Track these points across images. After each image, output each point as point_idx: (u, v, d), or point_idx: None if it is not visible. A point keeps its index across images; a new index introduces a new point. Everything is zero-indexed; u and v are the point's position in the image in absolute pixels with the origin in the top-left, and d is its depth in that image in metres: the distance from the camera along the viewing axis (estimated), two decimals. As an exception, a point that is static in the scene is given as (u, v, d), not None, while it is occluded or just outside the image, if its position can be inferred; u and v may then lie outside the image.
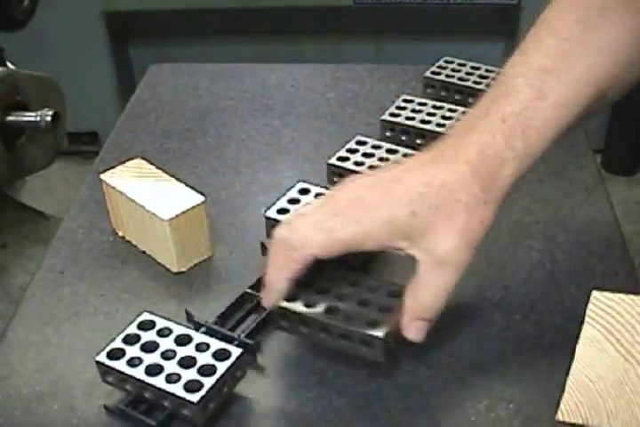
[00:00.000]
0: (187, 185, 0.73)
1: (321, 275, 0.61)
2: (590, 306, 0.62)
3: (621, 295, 0.62)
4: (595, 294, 0.63)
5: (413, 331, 0.58)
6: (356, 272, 0.63)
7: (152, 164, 0.77)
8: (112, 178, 0.74)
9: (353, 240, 0.56)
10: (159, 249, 0.73)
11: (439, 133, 0.83)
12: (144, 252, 0.75)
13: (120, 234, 0.77)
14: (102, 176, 0.74)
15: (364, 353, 0.58)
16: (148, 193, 0.72)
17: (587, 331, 0.60)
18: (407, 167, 0.59)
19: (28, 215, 1.17)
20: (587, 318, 0.61)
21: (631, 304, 0.61)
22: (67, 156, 2.05)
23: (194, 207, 0.71)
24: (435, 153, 0.59)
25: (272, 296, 0.60)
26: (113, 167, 0.76)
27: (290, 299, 0.60)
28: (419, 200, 0.56)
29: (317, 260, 0.58)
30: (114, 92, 2.22)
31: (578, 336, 0.60)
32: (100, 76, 2.19)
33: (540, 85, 0.58)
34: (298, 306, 0.59)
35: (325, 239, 0.57)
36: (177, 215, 0.69)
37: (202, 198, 0.71)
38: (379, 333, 0.57)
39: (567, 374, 0.58)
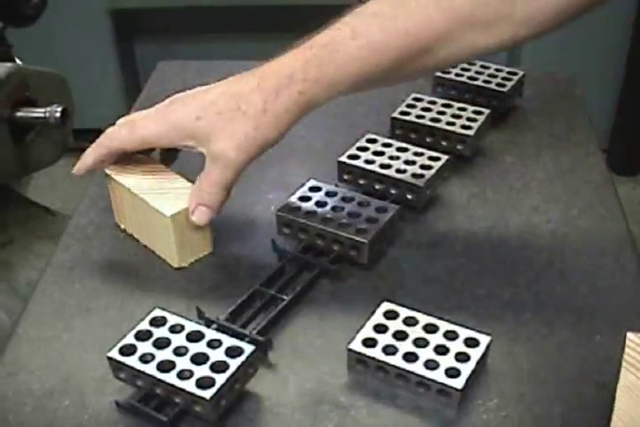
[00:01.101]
0: (190, 181, 0.73)
1: None
2: (627, 350, 0.58)
3: None
4: (629, 336, 0.59)
5: (197, 215, 0.69)
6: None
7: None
8: (117, 172, 0.74)
9: (149, 137, 0.69)
10: (161, 244, 0.73)
11: (449, 131, 0.83)
12: (145, 246, 0.75)
13: (122, 227, 0.78)
14: (107, 170, 0.74)
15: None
16: (152, 188, 0.72)
17: (624, 378, 0.56)
18: (222, 82, 0.69)
19: (34, 211, 1.17)
20: (624, 364, 0.57)
21: None
22: (71, 152, 2.04)
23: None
24: (251, 70, 0.68)
25: (80, 167, 0.72)
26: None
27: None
28: (208, 107, 0.66)
29: None
30: (119, 89, 2.22)
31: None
32: (106, 73, 2.19)
33: (359, 26, 0.65)
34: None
35: (128, 134, 0.70)
36: (179, 211, 0.69)
37: None
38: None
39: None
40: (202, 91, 0.69)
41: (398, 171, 0.77)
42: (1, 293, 1.03)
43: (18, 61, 1.09)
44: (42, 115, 0.98)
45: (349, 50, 0.64)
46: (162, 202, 0.70)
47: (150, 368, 0.57)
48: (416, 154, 0.80)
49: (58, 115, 0.97)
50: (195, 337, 0.60)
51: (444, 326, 0.62)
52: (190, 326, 0.61)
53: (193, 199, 0.69)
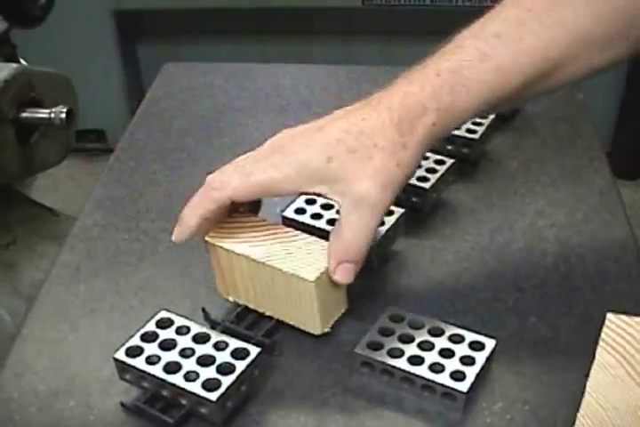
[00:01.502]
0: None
1: None
2: (605, 330, 0.59)
3: (637, 319, 0.61)
4: (609, 316, 0.60)
5: (340, 274, 0.60)
6: None
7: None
8: (221, 238, 0.64)
9: (268, 184, 0.60)
10: (295, 312, 0.64)
11: (454, 135, 0.84)
12: (270, 317, 0.66)
13: (231, 299, 0.68)
14: (208, 238, 0.64)
15: None
16: (275, 252, 0.62)
17: (601, 356, 0.58)
18: (332, 117, 0.61)
19: (37, 212, 1.17)
20: (601, 343, 0.59)
21: None
22: (72, 153, 2.04)
23: None
24: (362, 102, 0.61)
25: (182, 231, 0.62)
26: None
27: None
28: (336, 146, 0.58)
29: None
30: (121, 90, 2.22)
31: (593, 347, 0.59)
32: (108, 74, 2.19)
33: (485, 48, 0.60)
34: None
35: (241, 182, 0.60)
36: (321, 274, 0.60)
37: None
38: None
39: (583, 382, 0.58)
40: (312, 129, 0.61)
41: (403, 174, 0.77)
42: (4, 293, 1.03)
43: (23, 62, 1.09)
44: (47, 116, 0.98)
45: (480, 74, 0.59)
46: (295, 266, 0.61)
47: (157, 370, 0.57)
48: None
49: (63, 116, 0.97)
50: (201, 339, 0.60)
51: (449, 329, 0.62)
52: (196, 328, 0.61)
53: (335, 256, 0.60)
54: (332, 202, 0.61)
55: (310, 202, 0.74)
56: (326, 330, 0.64)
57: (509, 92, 0.60)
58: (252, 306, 0.67)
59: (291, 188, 0.60)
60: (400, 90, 0.60)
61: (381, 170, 0.58)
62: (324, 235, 0.65)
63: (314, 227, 0.71)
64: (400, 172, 0.58)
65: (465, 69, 0.59)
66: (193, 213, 0.61)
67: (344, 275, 0.60)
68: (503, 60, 0.59)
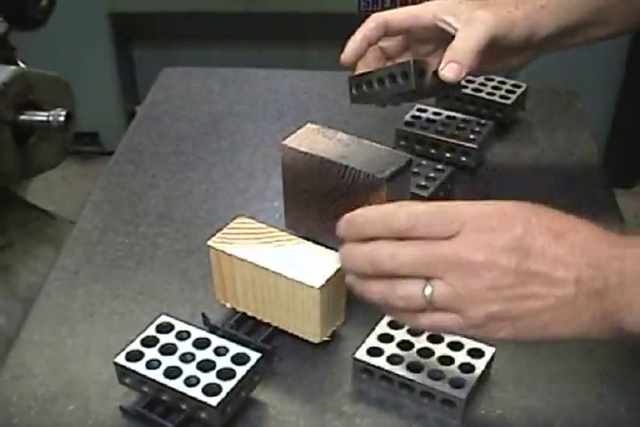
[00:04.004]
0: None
1: None
2: None
3: None
4: None
5: (447, 69, 0.69)
6: None
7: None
8: (226, 244, 0.64)
9: (415, 10, 0.74)
10: (295, 320, 0.64)
11: (453, 143, 0.84)
12: (269, 324, 0.66)
13: (228, 306, 0.68)
14: (211, 243, 0.64)
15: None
16: (279, 258, 0.62)
17: None
18: None
19: (34, 214, 1.17)
20: None
21: None
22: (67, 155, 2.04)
23: (339, 269, 0.61)
24: None
25: (347, 48, 0.75)
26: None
27: None
28: None
29: None
30: (116, 93, 2.22)
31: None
32: (103, 77, 2.18)
33: None
34: None
35: (395, 10, 0.75)
36: (326, 281, 0.60)
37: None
38: None
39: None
40: None
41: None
42: (0, 296, 1.03)
43: (21, 64, 1.09)
44: (45, 118, 0.98)
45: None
46: (300, 273, 0.61)
47: (157, 374, 0.58)
48: (420, 165, 0.80)
49: (61, 119, 0.97)
50: (201, 344, 0.60)
51: (448, 336, 0.62)
52: (197, 333, 0.61)
53: (446, 56, 0.69)
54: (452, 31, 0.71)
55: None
56: (325, 338, 0.65)
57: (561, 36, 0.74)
58: (250, 313, 0.67)
59: (429, 15, 0.72)
60: None
61: (500, 10, 0.70)
62: None
63: None
64: (510, 15, 0.70)
65: None
66: (356, 35, 0.74)
67: (449, 70, 0.68)
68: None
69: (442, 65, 0.69)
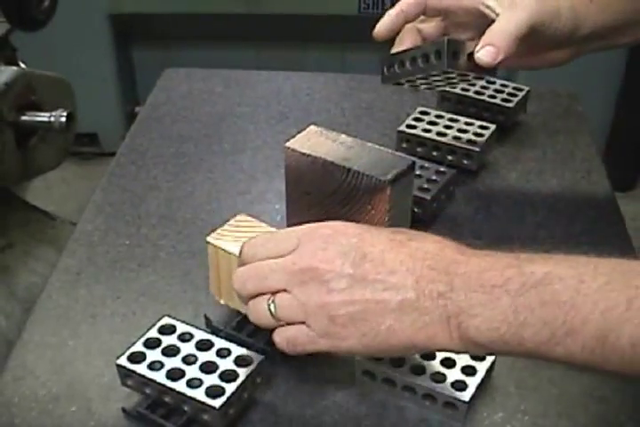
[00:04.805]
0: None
1: None
2: None
3: None
4: None
5: (483, 53, 0.65)
6: None
7: (250, 219, 0.68)
8: (222, 240, 0.64)
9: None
10: None
11: (455, 146, 0.84)
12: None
13: (222, 302, 0.67)
14: (209, 239, 0.65)
15: None
16: None
17: None
18: None
19: (34, 215, 1.17)
20: None
21: None
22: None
23: None
24: None
25: (382, 20, 0.71)
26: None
27: None
28: None
29: None
30: (115, 94, 2.22)
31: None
32: (103, 78, 2.18)
33: None
34: None
35: None
36: None
37: None
38: None
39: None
40: None
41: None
42: (0, 297, 1.03)
43: (22, 65, 1.09)
44: (47, 119, 0.98)
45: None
46: None
47: (160, 376, 0.57)
48: (422, 168, 0.80)
49: (63, 119, 0.97)
50: (204, 346, 0.60)
51: None
52: (199, 335, 0.61)
53: (483, 39, 0.66)
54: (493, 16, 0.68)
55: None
56: None
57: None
58: (243, 311, 0.66)
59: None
60: None
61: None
62: None
63: None
64: (556, 4, 0.67)
65: None
66: (393, 9, 0.70)
67: (485, 53, 0.65)
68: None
69: (478, 47, 0.66)
